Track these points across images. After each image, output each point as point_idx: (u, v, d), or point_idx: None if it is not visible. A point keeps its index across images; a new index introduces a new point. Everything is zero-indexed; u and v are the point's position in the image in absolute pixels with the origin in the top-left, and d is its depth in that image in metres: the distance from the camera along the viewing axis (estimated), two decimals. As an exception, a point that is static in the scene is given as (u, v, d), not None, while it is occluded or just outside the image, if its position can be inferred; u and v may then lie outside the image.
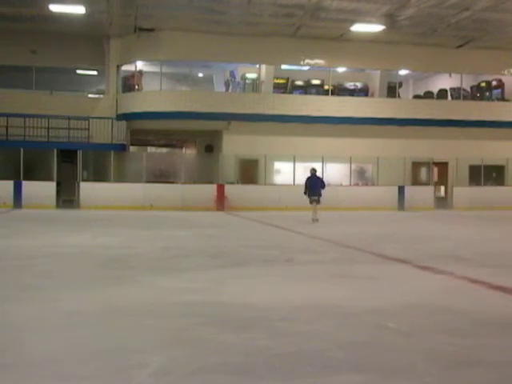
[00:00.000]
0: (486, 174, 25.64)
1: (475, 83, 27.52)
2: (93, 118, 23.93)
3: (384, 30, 22.16)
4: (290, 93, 25.80)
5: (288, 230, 13.83)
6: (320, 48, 24.81)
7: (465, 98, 26.89)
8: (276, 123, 24.18)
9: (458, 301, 5.41)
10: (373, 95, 26.33)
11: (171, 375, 3.25)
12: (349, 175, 24.52)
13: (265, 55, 24.50)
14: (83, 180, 22.55)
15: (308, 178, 16.58)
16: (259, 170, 24.14)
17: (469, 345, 3.94)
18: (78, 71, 26.91)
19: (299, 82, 26.07)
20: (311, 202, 16.10)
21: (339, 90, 26.00)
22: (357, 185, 25.29)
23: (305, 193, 16.30)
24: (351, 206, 22.87)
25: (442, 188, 26.39)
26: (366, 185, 25.68)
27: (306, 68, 26.05)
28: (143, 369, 3.33)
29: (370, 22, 21.59)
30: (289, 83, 26.02)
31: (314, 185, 16.13)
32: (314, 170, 16.66)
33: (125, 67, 25.19)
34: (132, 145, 25.90)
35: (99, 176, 23.70)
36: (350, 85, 26.31)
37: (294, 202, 22.66)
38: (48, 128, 23.36)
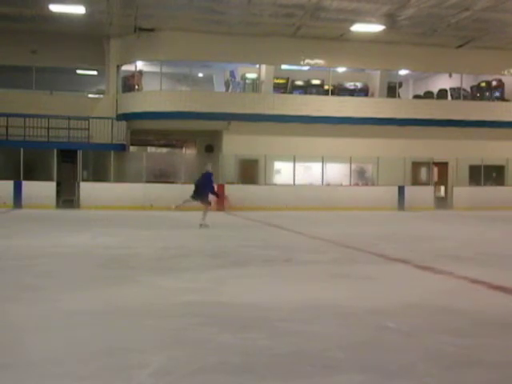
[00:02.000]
0: (486, 174, 25.65)
1: (475, 83, 27.53)
2: (93, 118, 23.94)
3: (384, 29, 22.17)
4: (290, 93, 25.81)
5: (288, 229, 13.82)
6: (320, 48, 24.82)
7: (465, 98, 26.90)
8: (276, 123, 24.18)
9: (458, 301, 5.41)
10: (373, 95, 26.34)
11: (171, 375, 3.25)
12: (349, 175, 24.53)
13: (265, 55, 24.51)
14: (83, 180, 22.55)
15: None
16: (259, 169, 24.14)
17: (469, 345, 3.94)
18: (78, 71, 26.93)
19: (299, 82, 26.08)
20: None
21: (339, 90, 26.01)
22: (357, 185, 25.30)
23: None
24: (351, 205, 22.88)
25: (442, 188, 26.39)
26: (366, 185, 25.69)
27: (305, 68, 26.06)
28: (143, 369, 3.33)
29: (370, 22, 21.60)
30: (289, 83, 26.03)
31: (201, 184, 14.32)
32: (207, 167, 14.71)
33: (125, 67, 25.20)
34: (132, 145, 25.91)
35: (99, 176, 23.71)
36: (350, 85, 26.32)
37: (294, 202, 22.72)
38: (48, 128, 23.36)
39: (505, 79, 27.11)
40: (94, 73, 26.96)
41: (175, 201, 21.89)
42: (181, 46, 23.97)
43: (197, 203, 14.54)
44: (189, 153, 27.66)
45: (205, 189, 14.23)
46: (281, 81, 25.82)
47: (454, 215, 21.25)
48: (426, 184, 25.64)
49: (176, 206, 14.84)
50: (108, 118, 24.08)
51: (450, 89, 27.24)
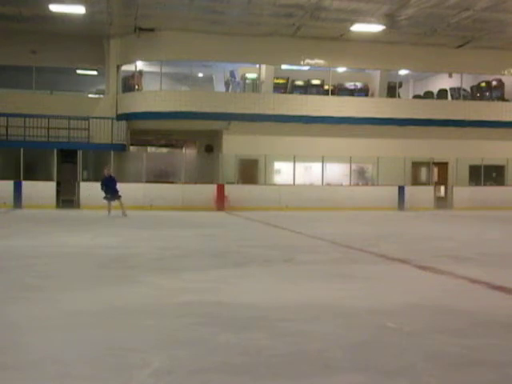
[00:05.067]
0: (486, 174, 25.66)
1: (475, 83, 27.53)
2: (93, 117, 23.94)
3: (384, 30, 22.16)
4: (290, 93, 25.80)
5: (288, 229, 13.82)
6: (320, 48, 24.82)
7: (465, 98, 26.91)
8: (276, 123, 24.19)
9: (458, 301, 5.41)
10: (373, 95, 26.34)
11: (171, 375, 3.25)
12: (349, 175, 24.54)
13: (265, 55, 24.51)
14: (83, 180, 22.55)
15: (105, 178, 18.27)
16: (259, 169, 24.15)
17: (469, 345, 3.93)
18: (78, 71, 26.93)
19: (299, 82, 26.08)
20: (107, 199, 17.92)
21: (339, 90, 26.01)
22: (357, 185, 25.30)
23: (102, 189, 17.98)
24: (351, 205, 22.88)
25: (442, 188, 26.40)
26: (366, 185, 25.69)
27: (306, 68, 26.06)
28: (143, 369, 3.33)
29: (370, 21, 21.59)
30: (289, 83, 26.02)
31: (111, 184, 17.93)
32: (107, 170, 18.80)
33: (125, 67, 25.20)
34: (132, 145, 25.91)
35: (99, 176, 23.59)
36: (350, 85, 26.32)
37: (294, 202, 22.73)
38: (48, 128, 23.36)
39: (505, 79, 27.11)
40: (94, 73, 26.96)
41: (175, 200, 22.06)
42: (181, 45, 23.97)
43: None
44: (189, 153, 27.65)
45: (115, 188, 17.80)
46: (281, 81, 25.82)
47: (453, 215, 21.24)
48: (426, 184, 25.64)
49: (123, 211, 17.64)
50: (108, 118, 24.09)
51: (450, 89, 27.24)
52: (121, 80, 25.31)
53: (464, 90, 26.96)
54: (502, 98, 27.19)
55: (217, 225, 15.65)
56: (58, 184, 22.39)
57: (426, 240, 11.64)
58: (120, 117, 24.38)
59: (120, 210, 17.51)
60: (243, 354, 3.65)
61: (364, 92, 26.45)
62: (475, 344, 3.96)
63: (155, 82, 24.56)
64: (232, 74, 26.31)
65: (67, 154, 23.11)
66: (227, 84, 26.57)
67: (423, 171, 26.46)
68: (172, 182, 23.63)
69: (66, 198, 22.72)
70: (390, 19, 21.37)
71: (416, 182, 25.84)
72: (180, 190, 22.47)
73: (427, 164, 25.86)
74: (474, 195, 24.72)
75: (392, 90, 26.37)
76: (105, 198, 17.82)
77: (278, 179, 24.68)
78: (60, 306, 5.05)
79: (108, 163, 22.94)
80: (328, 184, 24.33)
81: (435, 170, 26.03)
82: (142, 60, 25.04)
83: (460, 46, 25.42)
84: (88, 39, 24.13)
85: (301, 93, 25.73)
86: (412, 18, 21.68)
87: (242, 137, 23.95)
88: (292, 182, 23.74)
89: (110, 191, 17.73)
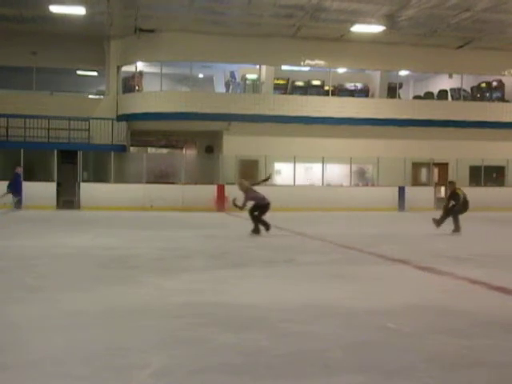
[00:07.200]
0: (487, 175, 25.65)
1: (475, 84, 27.54)
2: (93, 118, 23.95)
3: (384, 30, 22.19)
4: (291, 93, 25.80)
5: (288, 230, 13.82)
6: (320, 49, 24.83)
7: (465, 98, 26.91)
8: (276, 124, 24.19)
9: (458, 301, 5.41)
10: (373, 96, 26.35)
11: (171, 375, 3.25)
12: (349, 176, 24.53)
13: (265, 56, 24.52)
14: (83, 181, 22.56)
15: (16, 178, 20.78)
16: (259, 170, 24.13)
17: (469, 345, 3.93)
18: (79, 72, 26.94)
19: (299, 83, 26.08)
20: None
21: (339, 91, 26.01)
22: (357, 185, 25.30)
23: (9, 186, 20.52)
24: (351, 206, 22.88)
25: (443, 189, 26.37)
26: (367, 185, 25.68)
27: (306, 69, 26.07)
28: (143, 369, 3.33)
29: (370, 22, 21.61)
30: (289, 84, 26.03)
31: (15, 182, 20.72)
32: (19, 169, 21.10)
33: (125, 68, 25.21)
34: (132, 145, 25.91)
35: (99, 177, 23.71)
36: (350, 85, 26.33)
37: (294, 203, 22.71)
38: (48, 129, 23.38)
39: (505, 80, 27.11)
40: (95, 74, 26.97)
41: (176, 201, 22.07)
42: (181, 46, 23.98)
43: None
44: (189, 153, 27.65)
45: (17, 185, 20.67)
46: (281, 81, 25.83)
47: (454, 216, 21.17)
48: (427, 185, 25.63)
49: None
50: (108, 119, 24.09)
51: (451, 89, 27.25)
52: (121, 81, 25.32)
53: (464, 90, 26.97)
54: (502, 99, 27.19)
55: (217, 225, 15.65)
56: (59, 185, 22.39)
57: (426, 240, 11.65)
58: (120, 117, 24.39)
59: (7, 207, 20.27)
60: (243, 354, 3.65)
61: (364, 93, 26.46)
62: (475, 344, 3.96)
63: (155, 82, 24.57)
64: (232, 75, 26.32)
65: (67, 155, 23.11)
66: (227, 85, 26.58)
67: (423, 172, 26.45)
68: (172, 183, 23.63)
69: (66, 198, 22.73)
70: (390, 20, 21.38)
71: (416, 182, 25.83)
72: (180, 191, 22.47)
73: (427, 165, 25.85)
74: (474, 196, 24.61)
75: (392, 91, 26.37)
76: (11, 193, 20.46)
77: (279, 180, 24.67)
78: (60, 305, 5.05)
79: (108, 164, 23.03)
80: (328, 185, 24.33)
81: (435, 170, 26.03)
82: (142, 61, 25.05)
83: (460, 47, 25.43)
84: (88, 40, 24.14)
85: (301, 93, 25.73)
86: (412, 19, 21.69)
87: (243, 137, 23.95)
88: (292, 183, 23.74)
89: (11, 187, 20.43)
